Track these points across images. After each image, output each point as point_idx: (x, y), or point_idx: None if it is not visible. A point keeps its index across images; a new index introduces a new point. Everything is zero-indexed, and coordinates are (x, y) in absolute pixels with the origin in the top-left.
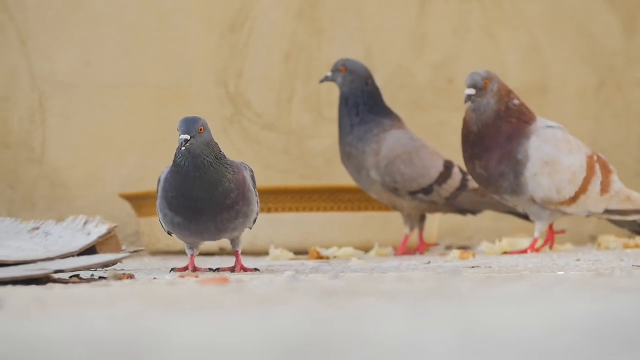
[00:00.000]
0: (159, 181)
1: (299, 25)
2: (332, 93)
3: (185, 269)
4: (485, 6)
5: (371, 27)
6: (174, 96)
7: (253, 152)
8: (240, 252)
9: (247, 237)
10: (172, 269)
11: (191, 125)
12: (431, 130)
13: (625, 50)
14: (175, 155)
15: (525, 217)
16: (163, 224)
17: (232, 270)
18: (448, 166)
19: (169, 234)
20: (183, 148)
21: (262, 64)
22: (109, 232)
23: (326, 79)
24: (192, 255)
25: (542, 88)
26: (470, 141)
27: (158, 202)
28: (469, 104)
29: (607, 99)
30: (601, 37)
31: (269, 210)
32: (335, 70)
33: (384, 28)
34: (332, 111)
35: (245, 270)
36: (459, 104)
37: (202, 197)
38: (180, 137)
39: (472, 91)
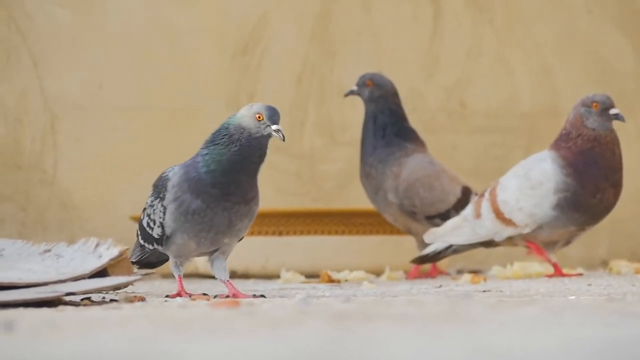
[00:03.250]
0: (166, 178)
1: (311, 48)
2: (345, 116)
3: (178, 294)
4: (497, 30)
5: (383, 49)
6: (185, 118)
7: (264, 175)
8: (229, 281)
9: (258, 260)
10: (167, 296)
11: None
12: (443, 153)
13: (637, 73)
14: (238, 139)
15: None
16: (164, 223)
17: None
18: (466, 192)
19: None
20: (282, 138)
21: (273, 86)
22: (120, 254)
23: (351, 92)
24: (180, 277)
25: (554, 111)
26: (618, 167)
27: (172, 193)
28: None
29: (618, 123)
30: (612, 61)
31: (280, 233)
32: (362, 84)
33: (396, 50)
34: (344, 134)
35: (240, 296)
36: (471, 127)
37: (240, 180)
38: (277, 127)
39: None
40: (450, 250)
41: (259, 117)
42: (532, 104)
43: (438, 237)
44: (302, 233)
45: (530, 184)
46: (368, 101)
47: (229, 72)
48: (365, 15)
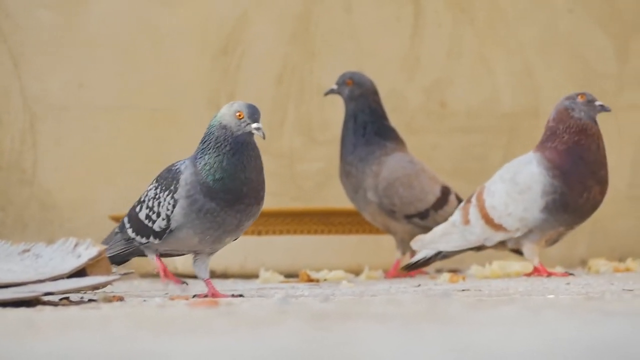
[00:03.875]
0: (177, 171)
1: (292, 48)
2: (325, 115)
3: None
4: (477, 30)
5: (364, 50)
6: (166, 118)
7: None
8: (209, 280)
9: (237, 260)
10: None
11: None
12: (423, 153)
13: (618, 74)
14: (224, 139)
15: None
16: (172, 216)
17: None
18: (445, 192)
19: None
20: (262, 136)
21: (254, 86)
22: (99, 254)
23: (331, 91)
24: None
25: (534, 112)
26: (603, 162)
27: (185, 189)
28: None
29: (599, 123)
30: (594, 61)
31: (259, 233)
32: (342, 83)
33: (377, 51)
34: (324, 134)
35: (219, 296)
36: (451, 127)
37: (251, 179)
38: (257, 125)
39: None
40: (440, 256)
41: (240, 115)
42: (512, 104)
43: (426, 244)
44: (281, 232)
45: (518, 189)
46: (348, 100)
47: (210, 72)
48: (345, 15)
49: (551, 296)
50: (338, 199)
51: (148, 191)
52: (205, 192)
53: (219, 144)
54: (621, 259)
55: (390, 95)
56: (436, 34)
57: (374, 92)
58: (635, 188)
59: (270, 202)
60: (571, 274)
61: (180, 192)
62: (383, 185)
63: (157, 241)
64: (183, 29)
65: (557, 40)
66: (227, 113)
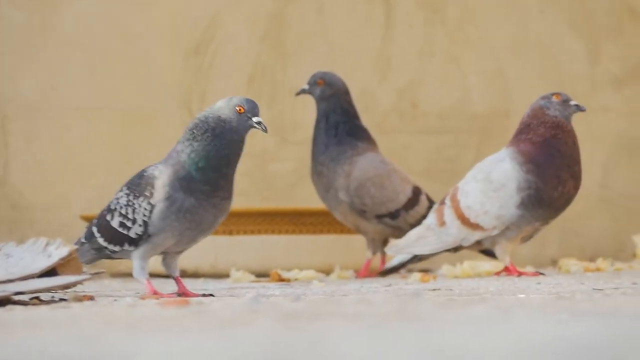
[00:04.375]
0: (151, 177)
1: (264, 48)
2: (296, 116)
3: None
4: (449, 31)
5: (336, 50)
6: (138, 119)
7: None
8: (179, 278)
9: (208, 259)
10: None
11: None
12: (394, 154)
13: (589, 75)
14: (221, 132)
15: None
16: (149, 222)
17: (179, 295)
18: (416, 192)
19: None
20: (264, 129)
21: (225, 86)
22: (70, 254)
23: (303, 91)
24: (149, 280)
25: (506, 113)
26: (577, 158)
27: (162, 192)
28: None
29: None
30: (565, 62)
31: (231, 233)
32: (313, 83)
33: (349, 51)
34: (296, 134)
35: (189, 295)
36: (423, 127)
37: (228, 174)
38: (258, 119)
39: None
40: (416, 259)
41: (240, 110)
42: (484, 105)
43: (401, 249)
44: (252, 232)
45: (493, 187)
46: (319, 100)
47: (182, 72)
48: (317, 16)
49: (522, 296)
50: (309, 199)
51: (118, 199)
52: (185, 187)
53: (212, 135)
54: (592, 259)
55: (362, 95)
56: (408, 34)
57: (346, 92)
58: (606, 189)
59: (242, 201)
60: (542, 274)
61: (158, 197)
62: (354, 185)
63: (132, 248)
64: (155, 29)
65: (529, 41)
66: (226, 107)
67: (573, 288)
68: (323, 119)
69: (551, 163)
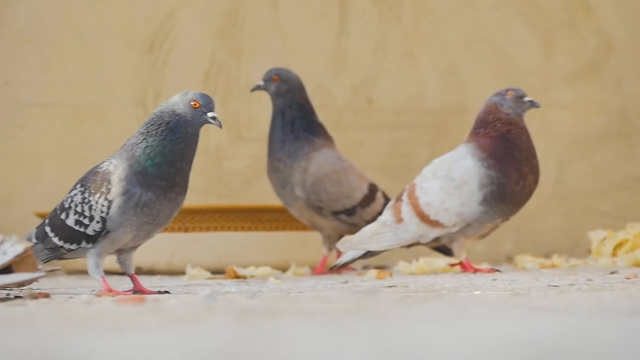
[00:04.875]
0: (107, 172)
1: (219, 45)
2: (252, 112)
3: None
4: (404, 27)
5: (291, 46)
6: (92, 115)
7: None
8: (135, 276)
9: (164, 257)
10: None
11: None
12: (350, 149)
13: (543, 71)
14: (175, 127)
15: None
16: (108, 218)
17: (135, 292)
18: (372, 189)
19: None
20: (219, 125)
21: (180, 83)
22: (25, 251)
23: (258, 87)
24: (104, 277)
25: (460, 108)
26: (534, 152)
27: (119, 186)
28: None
29: (526, 119)
30: (519, 58)
31: (186, 230)
32: (268, 79)
33: (304, 47)
34: (251, 131)
35: (145, 292)
36: (378, 123)
37: (184, 170)
38: (213, 114)
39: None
40: (368, 255)
41: (195, 105)
42: (438, 101)
43: (354, 245)
44: (208, 229)
45: (454, 184)
46: (275, 96)
47: (136, 69)
48: (272, 12)
49: (478, 292)
50: (265, 196)
51: (72, 197)
52: (142, 181)
53: (167, 130)
54: (547, 255)
55: (317, 91)
56: (363, 30)
57: (301, 88)
58: (560, 185)
59: (197, 199)
60: (497, 270)
61: (115, 192)
62: (311, 181)
63: (89, 245)
64: (109, 25)
65: (483, 37)
66: (181, 102)
67: (528, 284)
68: (279, 115)
69: (511, 157)
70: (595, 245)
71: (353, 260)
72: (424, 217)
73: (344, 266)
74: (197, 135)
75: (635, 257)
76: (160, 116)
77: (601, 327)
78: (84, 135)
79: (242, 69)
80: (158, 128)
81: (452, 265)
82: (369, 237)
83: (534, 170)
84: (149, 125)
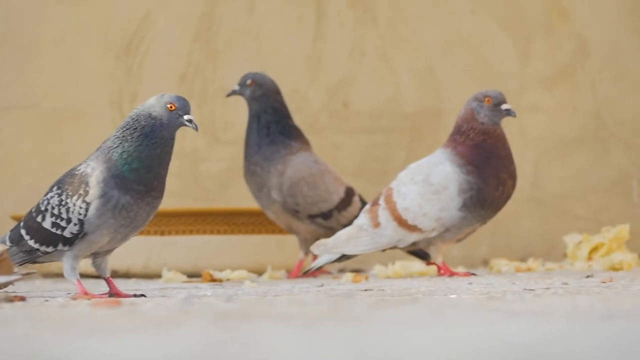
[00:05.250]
0: (85, 174)
1: (195, 48)
2: (228, 115)
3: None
4: (380, 30)
5: (267, 49)
6: (68, 118)
7: None
8: (111, 279)
9: (140, 260)
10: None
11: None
12: (326, 153)
13: (519, 74)
14: (151, 131)
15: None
16: (86, 220)
17: (111, 296)
18: (349, 193)
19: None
20: (195, 128)
21: (157, 86)
22: (1, 254)
23: (233, 92)
24: (79, 280)
25: (437, 112)
26: (511, 158)
27: (98, 189)
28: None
29: (503, 122)
30: (495, 62)
31: (162, 233)
32: (243, 84)
33: (280, 51)
34: (227, 134)
35: (121, 296)
36: (354, 127)
37: (161, 174)
38: (189, 117)
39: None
40: (343, 259)
41: (171, 107)
42: (415, 105)
43: (329, 248)
44: (184, 233)
45: (432, 189)
46: (250, 100)
47: (113, 71)
48: (248, 15)
49: (453, 296)
50: (241, 199)
51: (49, 199)
52: (120, 185)
53: (143, 134)
54: (523, 259)
55: (293, 95)
56: (339, 33)
57: (276, 92)
58: (536, 189)
59: (173, 202)
60: (473, 274)
61: (93, 194)
62: (287, 184)
63: (66, 247)
64: (85, 28)
65: (459, 40)
66: (157, 104)
67: (504, 288)
68: (255, 119)
69: (489, 164)
70: (571, 249)
71: (327, 264)
72: (401, 222)
73: (318, 270)
74: (173, 139)
75: (611, 261)
76: (137, 120)
77: (577, 331)
78: (60, 138)
79: (218, 72)
80: (134, 132)
81: (429, 264)
82: (344, 240)
83: (512, 176)
84: (125, 129)
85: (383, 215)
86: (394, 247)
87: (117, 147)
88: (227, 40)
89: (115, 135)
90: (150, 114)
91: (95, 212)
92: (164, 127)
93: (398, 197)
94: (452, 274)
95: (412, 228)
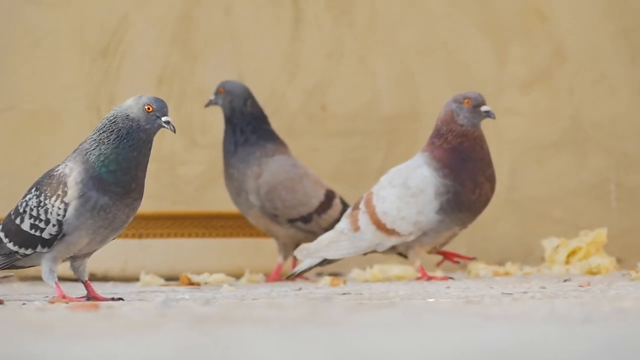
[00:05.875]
0: (63, 175)
1: (172, 50)
2: (206, 118)
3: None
4: (358, 32)
5: (244, 52)
6: (45, 120)
7: None
8: (89, 282)
9: (118, 263)
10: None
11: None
12: (303, 156)
13: (496, 78)
14: (128, 133)
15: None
16: (64, 221)
17: (88, 299)
18: (329, 196)
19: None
20: (173, 130)
21: (134, 88)
22: None
23: (210, 102)
24: (57, 284)
25: (414, 114)
26: (489, 161)
27: (76, 189)
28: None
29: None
30: (472, 65)
31: (140, 236)
32: (217, 92)
33: (257, 53)
34: (205, 137)
35: (99, 299)
36: (331, 130)
37: (138, 176)
38: (167, 119)
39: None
40: (325, 263)
41: (149, 109)
42: (392, 107)
43: (312, 253)
44: (161, 236)
45: (410, 192)
46: (223, 107)
47: (90, 73)
48: (226, 17)
49: (431, 300)
50: (220, 202)
51: (28, 201)
52: (98, 186)
53: (120, 137)
54: (500, 263)
55: (271, 97)
56: (316, 36)
57: (247, 97)
58: (514, 192)
59: (151, 205)
60: (451, 278)
61: (72, 195)
62: (265, 189)
63: (45, 249)
64: (63, 30)
65: (437, 43)
66: (135, 105)
67: (482, 292)
68: (229, 125)
69: (465, 167)
70: (549, 253)
71: (310, 268)
72: (380, 226)
73: (301, 274)
74: (151, 141)
75: (589, 264)
76: (114, 121)
77: (555, 335)
78: (37, 140)
79: (196, 74)
80: (111, 135)
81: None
82: (326, 245)
83: (490, 179)
84: (102, 131)
85: (363, 219)
86: (373, 251)
87: (94, 149)
88: (205, 42)
89: (92, 138)
90: (127, 115)
91: (74, 213)
92: (142, 129)
93: (377, 201)
94: (429, 278)
95: (391, 232)
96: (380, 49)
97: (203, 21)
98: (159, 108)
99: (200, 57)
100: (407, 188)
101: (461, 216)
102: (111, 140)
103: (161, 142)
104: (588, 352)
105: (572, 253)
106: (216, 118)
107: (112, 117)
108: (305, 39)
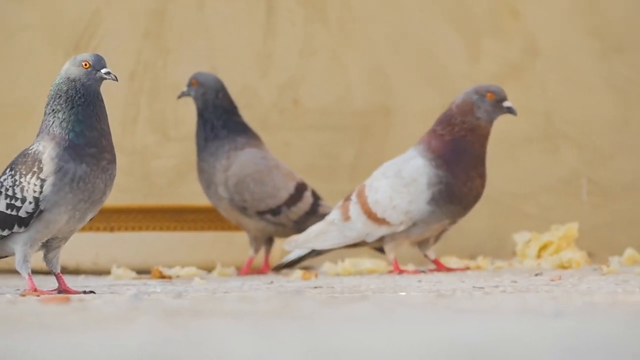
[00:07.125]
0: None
1: (145, 44)
2: (178, 112)
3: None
4: (330, 28)
5: (217, 46)
6: (18, 114)
7: None
8: (60, 275)
9: (89, 256)
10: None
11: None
12: (276, 150)
13: (469, 73)
14: (75, 93)
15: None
16: (41, 197)
17: (60, 292)
18: (300, 188)
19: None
20: (115, 79)
21: (106, 82)
22: None
23: (182, 94)
24: (30, 275)
25: (386, 110)
26: (483, 160)
27: (52, 164)
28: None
29: None
30: (445, 60)
31: (112, 229)
32: (189, 84)
33: (230, 48)
34: (177, 131)
35: (70, 292)
36: (304, 124)
37: (105, 130)
38: (106, 70)
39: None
40: (313, 254)
41: (86, 65)
42: (365, 103)
43: (301, 244)
44: (133, 229)
45: (403, 182)
46: (195, 99)
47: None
48: (198, 12)
49: (403, 293)
50: (192, 195)
51: (3, 181)
52: (74, 155)
53: (70, 97)
54: (472, 257)
55: (243, 92)
56: (289, 31)
57: (219, 90)
58: (486, 186)
59: (123, 198)
60: (423, 272)
61: (48, 170)
62: (233, 181)
63: (22, 229)
64: (35, 24)
65: (409, 39)
66: (72, 67)
67: (453, 286)
68: (200, 117)
69: (459, 159)
70: (520, 247)
71: (299, 260)
72: (371, 215)
73: (290, 265)
74: (99, 95)
75: (560, 259)
76: (59, 88)
77: (526, 329)
78: (10, 135)
79: (168, 69)
80: (61, 100)
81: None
82: (315, 236)
83: (481, 176)
84: (52, 101)
85: (354, 209)
86: (362, 243)
87: (54, 121)
88: (178, 37)
89: (46, 114)
90: (68, 77)
91: (52, 188)
92: (85, 86)
93: (370, 192)
94: (401, 272)
95: (381, 221)
96: (353, 44)
97: (176, 16)
98: (96, 62)
99: (173, 51)
100: (400, 178)
101: (452, 208)
102: (64, 105)
103: (133, 136)
104: (559, 346)
105: (544, 247)
106: (189, 112)
107: (56, 86)
108: (278, 34)
